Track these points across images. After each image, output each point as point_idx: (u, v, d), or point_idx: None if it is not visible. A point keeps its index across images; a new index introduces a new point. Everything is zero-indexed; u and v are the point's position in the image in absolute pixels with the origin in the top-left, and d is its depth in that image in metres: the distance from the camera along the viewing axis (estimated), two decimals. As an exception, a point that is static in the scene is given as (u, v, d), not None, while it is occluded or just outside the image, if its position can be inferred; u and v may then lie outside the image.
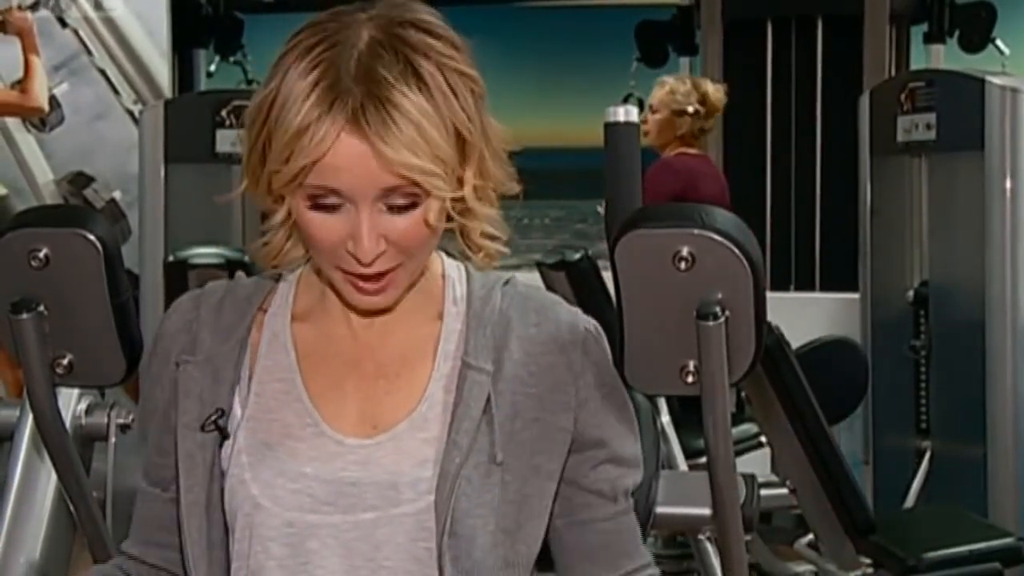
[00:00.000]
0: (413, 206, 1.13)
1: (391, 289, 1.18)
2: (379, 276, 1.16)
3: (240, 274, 1.36)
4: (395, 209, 1.13)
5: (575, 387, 1.24)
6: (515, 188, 1.21)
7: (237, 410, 1.23)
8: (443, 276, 1.27)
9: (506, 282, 1.27)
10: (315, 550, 1.18)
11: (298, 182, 1.12)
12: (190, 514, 1.21)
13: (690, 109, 4.13)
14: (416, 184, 1.11)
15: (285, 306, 1.26)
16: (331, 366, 1.24)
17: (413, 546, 1.17)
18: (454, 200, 1.15)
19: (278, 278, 1.28)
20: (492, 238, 1.21)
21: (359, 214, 1.12)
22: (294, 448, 1.20)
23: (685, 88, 4.16)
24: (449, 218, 1.18)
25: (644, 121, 4.21)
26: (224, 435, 1.21)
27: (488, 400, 1.20)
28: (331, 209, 1.13)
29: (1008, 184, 3.91)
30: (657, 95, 4.20)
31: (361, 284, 1.17)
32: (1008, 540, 2.89)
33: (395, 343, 1.24)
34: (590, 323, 1.29)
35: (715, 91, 4.18)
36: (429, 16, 1.17)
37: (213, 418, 1.21)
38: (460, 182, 1.15)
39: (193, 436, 1.22)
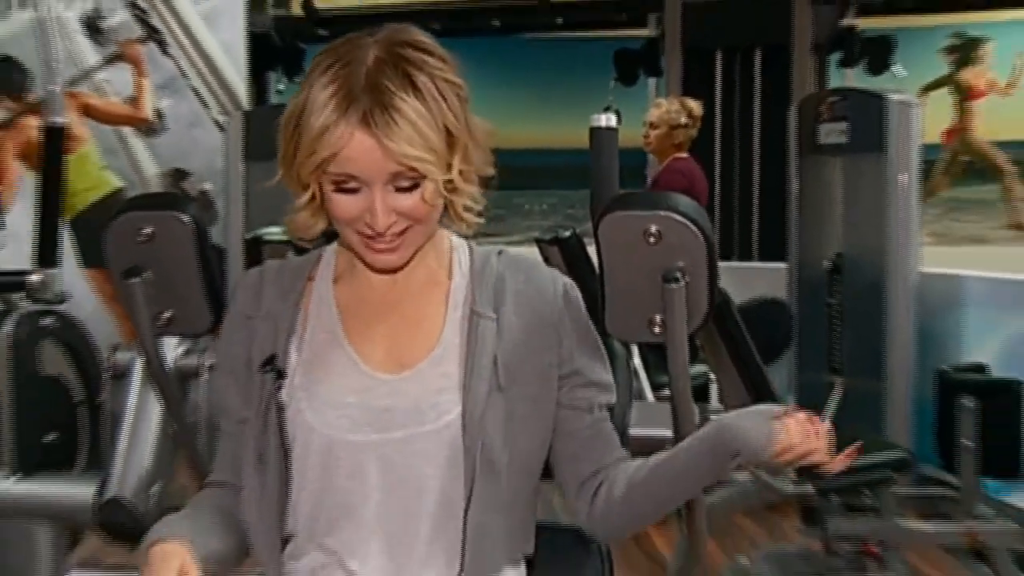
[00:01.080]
0: (415, 187, 1.14)
1: (401, 249, 1.18)
2: (392, 238, 1.17)
3: (290, 253, 1.35)
4: (401, 189, 1.14)
5: (557, 329, 1.24)
6: (491, 171, 1.22)
7: (293, 355, 1.22)
8: (451, 248, 1.27)
9: (500, 252, 1.28)
10: (361, 462, 1.19)
11: (321, 170, 1.14)
12: (250, 436, 1.22)
13: (682, 121, 4.15)
14: (415, 169, 1.13)
15: (328, 273, 1.27)
16: (364, 318, 1.24)
17: (438, 455, 1.18)
18: (445, 181, 1.16)
19: (320, 254, 1.29)
20: (472, 211, 1.22)
21: (373, 194, 1.14)
22: (338, 383, 1.20)
23: (675, 107, 4.19)
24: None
25: (646, 136, 4.22)
26: (281, 375, 1.21)
27: (494, 341, 1.21)
28: (351, 191, 1.14)
29: (903, 178, 3.92)
30: (655, 114, 4.21)
31: (376, 245, 1.17)
32: (899, 452, 2.89)
33: (414, 298, 1.24)
34: (567, 280, 1.29)
35: (697, 106, 4.23)
36: (424, 38, 1.18)
37: (269, 359, 1.21)
38: (449, 167, 1.16)
39: (259, 376, 1.22)
